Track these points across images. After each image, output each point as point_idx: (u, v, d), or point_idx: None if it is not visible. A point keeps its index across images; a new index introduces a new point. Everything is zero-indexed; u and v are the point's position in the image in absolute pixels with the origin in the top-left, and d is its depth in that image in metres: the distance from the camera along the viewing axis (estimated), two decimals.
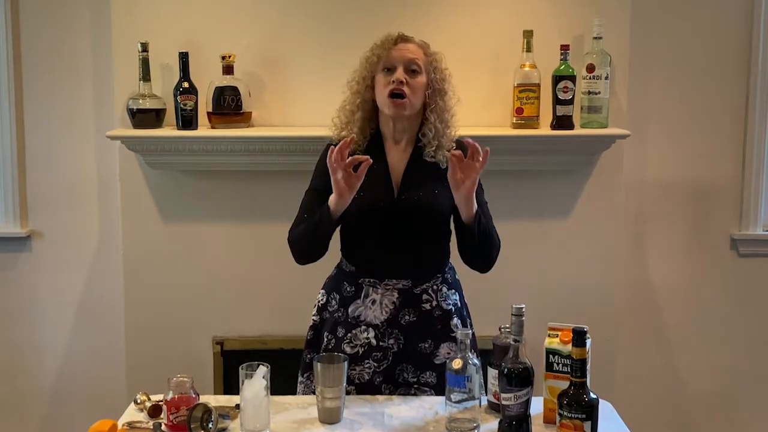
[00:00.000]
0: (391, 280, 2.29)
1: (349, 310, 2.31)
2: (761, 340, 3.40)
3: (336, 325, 2.32)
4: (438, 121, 2.28)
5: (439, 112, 2.29)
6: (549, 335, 2.01)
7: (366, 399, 2.19)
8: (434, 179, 2.27)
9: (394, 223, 2.25)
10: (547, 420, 2.00)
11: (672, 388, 3.41)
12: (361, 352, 2.28)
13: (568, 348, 1.91)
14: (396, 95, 2.23)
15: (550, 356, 1.99)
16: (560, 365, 1.97)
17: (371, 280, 2.30)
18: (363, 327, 2.29)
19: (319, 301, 2.39)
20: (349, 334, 2.29)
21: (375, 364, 2.28)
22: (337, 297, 2.34)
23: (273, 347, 3.09)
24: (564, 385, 1.88)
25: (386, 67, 2.25)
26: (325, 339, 2.32)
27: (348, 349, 2.27)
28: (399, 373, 2.29)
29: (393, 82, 2.23)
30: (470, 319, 2.43)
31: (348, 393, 2.19)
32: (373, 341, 2.28)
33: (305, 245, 2.29)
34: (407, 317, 2.29)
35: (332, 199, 2.17)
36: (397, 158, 2.30)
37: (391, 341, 2.29)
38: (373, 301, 2.29)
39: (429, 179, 2.28)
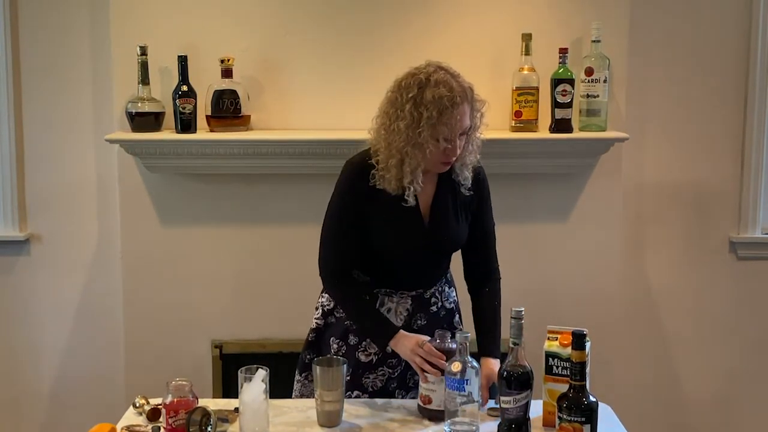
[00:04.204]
0: (406, 290, 2.30)
1: None
2: (760, 342, 3.39)
3: (347, 333, 2.31)
4: (471, 155, 2.22)
5: (473, 149, 2.22)
6: (548, 338, 2.01)
7: (365, 402, 2.19)
8: (458, 207, 2.27)
9: (424, 255, 2.26)
10: (547, 423, 2.00)
11: (671, 391, 3.41)
12: (375, 359, 2.28)
13: (568, 351, 1.91)
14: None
15: (550, 359, 1.99)
16: (560, 368, 1.97)
17: (386, 290, 2.29)
18: None
19: (324, 306, 2.36)
20: (363, 342, 2.29)
21: (390, 371, 2.28)
22: None
23: (272, 350, 3.09)
24: (564, 388, 1.88)
25: (445, 139, 2.11)
26: (335, 345, 2.31)
27: (362, 357, 2.28)
28: (410, 377, 2.29)
29: (449, 154, 2.14)
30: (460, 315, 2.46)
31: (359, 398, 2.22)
32: (388, 348, 2.27)
33: (340, 307, 2.31)
34: (419, 321, 2.31)
35: (395, 346, 2.16)
36: (426, 186, 2.23)
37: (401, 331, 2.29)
38: (389, 310, 2.29)
39: (454, 209, 2.26)
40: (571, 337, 1.85)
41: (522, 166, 3.02)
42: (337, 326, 2.33)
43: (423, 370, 2.06)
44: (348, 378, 2.25)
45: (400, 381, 2.30)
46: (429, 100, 2.07)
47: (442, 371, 2.00)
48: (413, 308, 2.30)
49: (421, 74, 2.11)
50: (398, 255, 2.24)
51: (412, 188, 2.15)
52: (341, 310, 2.33)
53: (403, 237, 2.22)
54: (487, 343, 2.27)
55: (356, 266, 2.27)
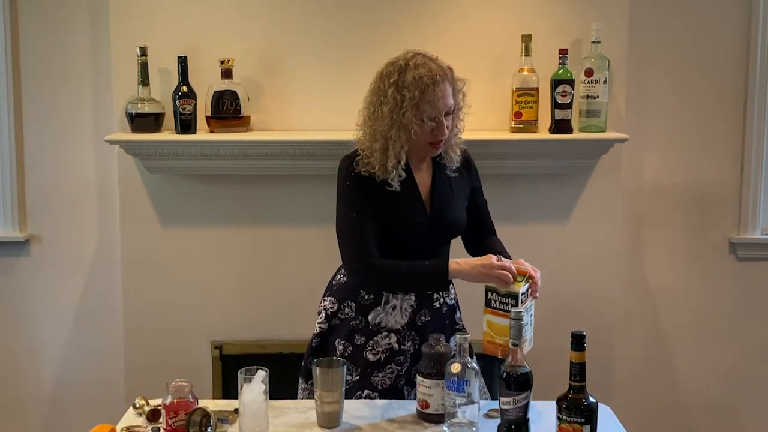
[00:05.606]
0: None
1: (369, 318, 2.31)
2: (760, 343, 3.39)
3: (353, 333, 2.32)
4: (456, 137, 2.31)
5: (458, 130, 2.31)
6: None
7: (365, 403, 2.19)
8: (455, 191, 2.34)
9: (427, 240, 2.29)
10: (487, 351, 2.12)
11: (671, 392, 3.41)
12: (383, 358, 2.30)
13: (506, 287, 2.07)
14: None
15: (489, 293, 2.10)
16: (497, 302, 2.08)
17: None
18: (384, 333, 2.31)
19: (327, 309, 2.37)
20: (370, 341, 2.30)
21: (398, 368, 2.30)
22: (353, 305, 2.34)
23: (272, 351, 3.09)
24: (503, 321, 2.01)
25: (430, 118, 2.18)
26: (341, 346, 2.32)
27: (370, 356, 2.29)
28: (415, 374, 2.30)
29: (437, 134, 2.21)
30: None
31: (371, 399, 2.23)
32: (395, 346, 2.30)
33: (395, 287, 2.29)
34: (423, 318, 2.33)
35: (463, 270, 2.16)
36: (423, 174, 2.32)
37: (410, 344, 2.31)
38: (394, 307, 2.31)
39: (452, 192, 2.33)
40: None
41: (522, 166, 3.02)
42: (342, 328, 2.33)
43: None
44: (357, 378, 2.26)
45: (408, 378, 2.31)
46: (410, 82, 2.16)
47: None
48: (417, 305, 2.32)
49: (400, 60, 2.21)
50: (404, 243, 2.26)
51: (395, 172, 2.20)
52: (346, 313, 2.33)
53: (407, 222, 2.25)
54: (502, 250, 2.34)
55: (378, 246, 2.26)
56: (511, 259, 2.32)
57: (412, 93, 2.15)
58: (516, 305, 2.03)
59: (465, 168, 2.39)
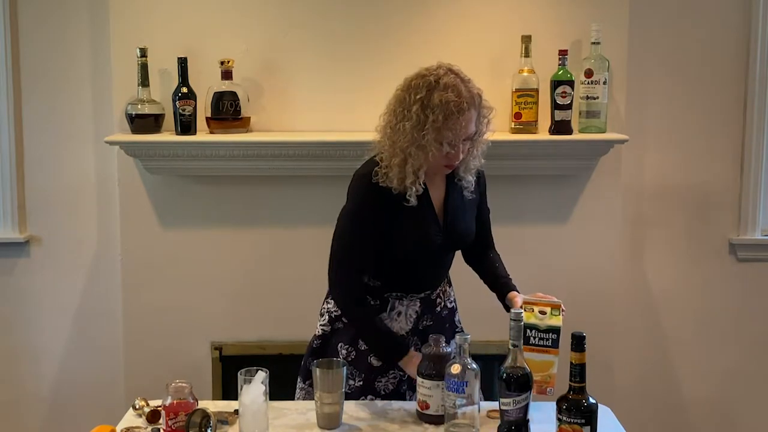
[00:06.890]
0: (415, 292, 2.31)
1: None
2: (760, 343, 3.39)
3: (357, 338, 2.30)
4: (475, 159, 2.26)
5: (477, 154, 2.26)
6: (525, 310, 2.06)
7: (365, 404, 2.19)
8: (467, 204, 2.32)
9: (440, 253, 2.29)
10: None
11: (671, 393, 3.41)
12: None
13: (546, 322, 2.00)
14: None
15: (528, 330, 2.04)
16: (537, 339, 2.03)
17: (397, 294, 2.29)
18: None
19: (331, 312, 2.34)
20: None
21: (401, 373, 2.28)
22: None
23: (272, 352, 3.09)
24: (541, 358, 1.97)
25: (449, 144, 2.13)
26: (344, 351, 2.30)
27: (374, 362, 2.28)
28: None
29: (451, 158, 2.16)
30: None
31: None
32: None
33: (351, 324, 2.30)
34: (425, 322, 2.32)
35: (405, 365, 2.20)
36: (436, 186, 2.28)
37: (412, 348, 2.30)
38: (399, 313, 2.30)
39: (464, 205, 2.31)
40: (546, 307, 1.99)
41: (522, 167, 3.02)
42: (346, 332, 2.31)
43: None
44: (360, 383, 2.25)
45: (410, 383, 2.30)
46: (436, 104, 2.08)
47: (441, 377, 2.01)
48: (421, 310, 2.32)
49: (431, 76, 2.12)
50: (416, 256, 2.25)
51: (414, 188, 2.16)
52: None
53: (422, 237, 2.23)
54: (509, 281, 2.34)
55: (368, 273, 2.27)
56: (511, 279, 2.34)
57: (436, 116, 2.08)
58: (557, 339, 2.02)
59: (476, 181, 2.33)
